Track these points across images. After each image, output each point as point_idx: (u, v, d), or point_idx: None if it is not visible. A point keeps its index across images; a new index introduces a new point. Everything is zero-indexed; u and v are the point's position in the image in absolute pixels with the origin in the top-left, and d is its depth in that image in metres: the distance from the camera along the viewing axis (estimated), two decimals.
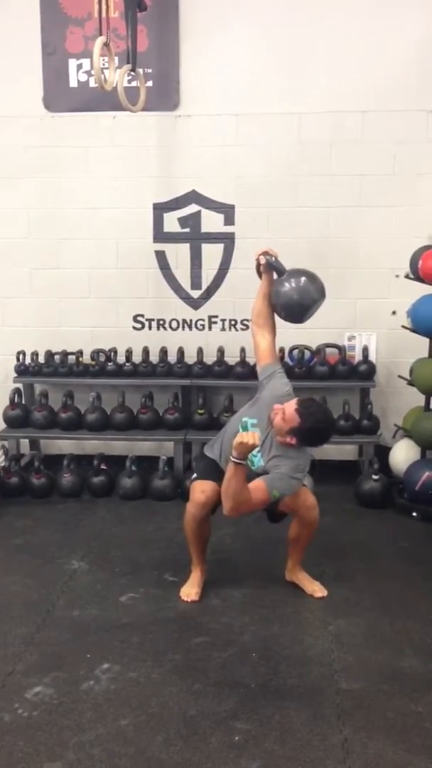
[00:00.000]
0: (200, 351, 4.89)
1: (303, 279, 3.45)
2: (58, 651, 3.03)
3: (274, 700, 2.71)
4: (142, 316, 5.04)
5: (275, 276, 3.48)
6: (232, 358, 4.84)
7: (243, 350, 4.76)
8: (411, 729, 2.56)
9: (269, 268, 3.49)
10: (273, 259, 3.47)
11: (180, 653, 3.01)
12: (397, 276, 4.69)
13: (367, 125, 4.70)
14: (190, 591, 3.44)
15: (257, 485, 3.13)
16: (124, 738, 2.52)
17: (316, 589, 3.45)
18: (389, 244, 4.76)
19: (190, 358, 4.92)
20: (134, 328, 5.05)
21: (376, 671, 2.89)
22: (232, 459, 3.00)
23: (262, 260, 3.49)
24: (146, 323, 5.05)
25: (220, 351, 4.86)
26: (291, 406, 3.19)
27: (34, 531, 4.20)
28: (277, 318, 3.53)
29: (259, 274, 3.55)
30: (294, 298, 3.43)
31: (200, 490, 3.35)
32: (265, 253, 3.49)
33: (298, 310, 3.46)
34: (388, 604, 3.39)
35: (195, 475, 3.49)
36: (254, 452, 3.19)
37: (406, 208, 4.74)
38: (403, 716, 2.62)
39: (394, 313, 4.80)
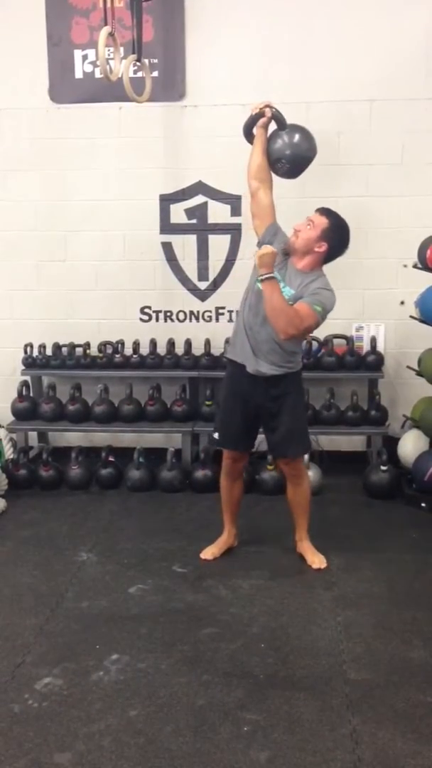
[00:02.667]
0: (208, 342, 4.89)
1: (305, 131, 3.57)
2: (67, 642, 3.04)
3: (283, 691, 2.71)
4: (149, 307, 5.04)
5: (273, 129, 3.53)
6: None
7: None
8: (420, 719, 2.56)
9: (275, 119, 3.52)
10: (277, 111, 3.52)
11: (189, 644, 3.01)
12: (405, 266, 4.67)
13: (374, 114, 4.67)
14: (208, 550, 3.65)
15: (299, 305, 3.25)
16: (134, 728, 2.53)
17: (316, 561, 3.56)
18: (397, 233, 4.73)
19: (198, 349, 4.91)
20: (141, 320, 5.05)
21: (385, 662, 2.89)
22: (261, 278, 3.16)
23: (268, 112, 3.51)
24: (153, 315, 5.04)
25: (228, 342, 4.85)
26: (313, 215, 3.34)
27: (43, 523, 4.21)
28: None
29: (248, 132, 3.57)
30: (301, 148, 3.53)
31: (230, 460, 3.62)
32: (268, 106, 3.52)
33: (303, 161, 3.57)
34: (397, 594, 3.39)
35: (217, 437, 3.61)
36: (281, 286, 3.30)
37: (414, 198, 4.71)
38: (412, 706, 2.63)
39: (402, 303, 4.78)
